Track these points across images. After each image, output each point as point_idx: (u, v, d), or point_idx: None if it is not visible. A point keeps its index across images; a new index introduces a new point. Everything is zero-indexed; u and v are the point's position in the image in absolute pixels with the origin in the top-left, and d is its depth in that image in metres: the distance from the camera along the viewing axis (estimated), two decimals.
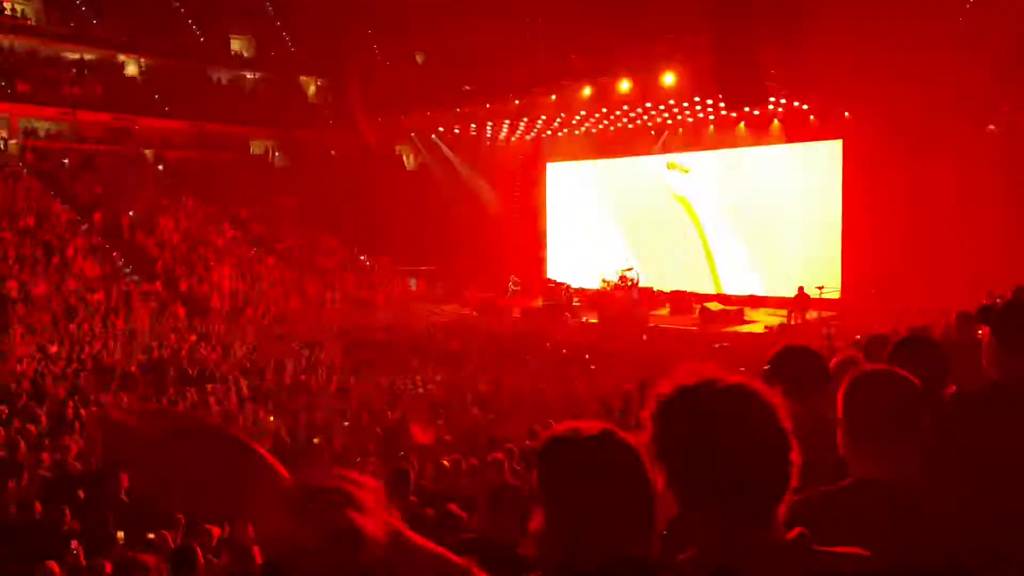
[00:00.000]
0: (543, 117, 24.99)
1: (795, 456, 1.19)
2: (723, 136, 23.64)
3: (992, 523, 1.59)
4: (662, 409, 1.23)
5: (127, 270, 22.32)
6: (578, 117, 24.54)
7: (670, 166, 23.02)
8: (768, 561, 1.18)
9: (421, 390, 13.31)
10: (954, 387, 2.38)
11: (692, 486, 1.21)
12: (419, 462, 7.45)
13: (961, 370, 2.57)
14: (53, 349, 15.58)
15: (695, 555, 1.22)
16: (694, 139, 24.38)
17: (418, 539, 0.99)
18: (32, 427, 9.59)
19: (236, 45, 33.87)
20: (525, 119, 25.40)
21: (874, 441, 1.65)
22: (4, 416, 10.05)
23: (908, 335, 2.50)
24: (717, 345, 16.51)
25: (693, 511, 1.22)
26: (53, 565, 4.62)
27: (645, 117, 23.97)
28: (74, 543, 5.04)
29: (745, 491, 1.18)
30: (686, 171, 22.08)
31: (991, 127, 18.75)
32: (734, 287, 23.17)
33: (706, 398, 1.20)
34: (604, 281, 22.43)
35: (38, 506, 5.96)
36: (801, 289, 20.09)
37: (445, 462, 7.05)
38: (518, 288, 24.37)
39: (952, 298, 10.87)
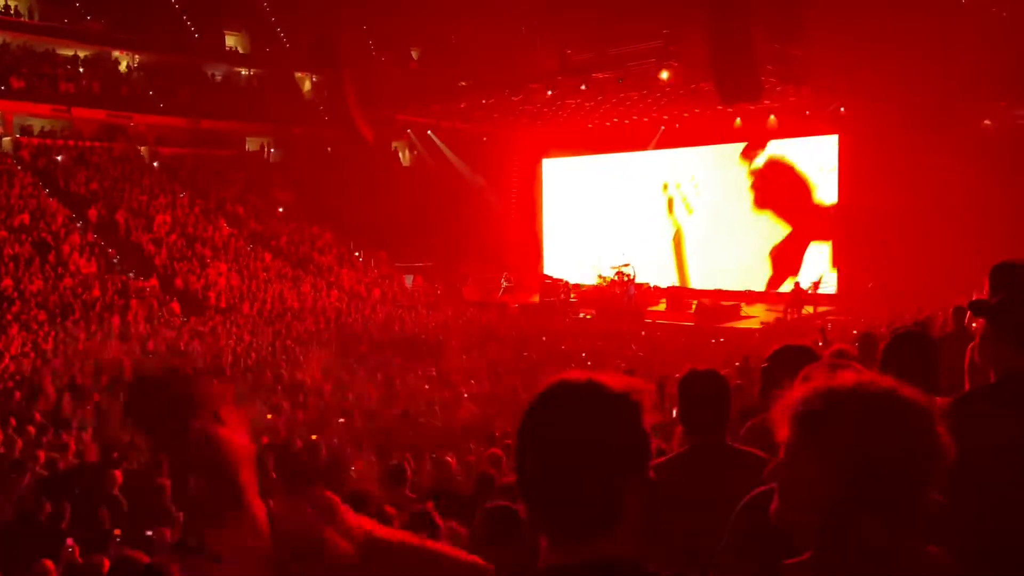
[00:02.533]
0: (539, 112, 24.94)
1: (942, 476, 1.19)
2: (719, 131, 23.62)
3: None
4: (825, 411, 1.19)
5: (123, 267, 22.26)
6: (574, 112, 24.50)
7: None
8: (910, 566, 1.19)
9: (427, 386, 13.29)
10: (946, 380, 2.37)
11: (859, 491, 1.17)
12: (416, 458, 7.44)
13: (958, 363, 2.56)
14: (48, 346, 15.53)
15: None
16: (690, 134, 24.37)
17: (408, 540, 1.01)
18: (29, 426, 9.56)
19: (231, 41, 33.74)
20: (521, 115, 25.36)
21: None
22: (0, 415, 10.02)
23: (897, 332, 2.48)
24: (713, 340, 16.54)
25: (854, 515, 1.19)
26: (48, 563, 4.60)
27: (641, 112, 23.95)
28: (69, 541, 5.02)
29: (907, 497, 1.17)
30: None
31: (987, 122, 18.76)
32: (730, 282, 23.20)
33: (870, 402, 1.19)
34: (601, 277, 22.43)
35: (34, 504, 5.94)
36: (797, 285, 20.11)
37: (449, 458, 7.04)
38: (510, 285, 24.37)
39: (949, 292, 10.87)
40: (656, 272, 23.36)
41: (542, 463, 1.13)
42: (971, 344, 2.40)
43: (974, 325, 2.49)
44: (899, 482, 1.16)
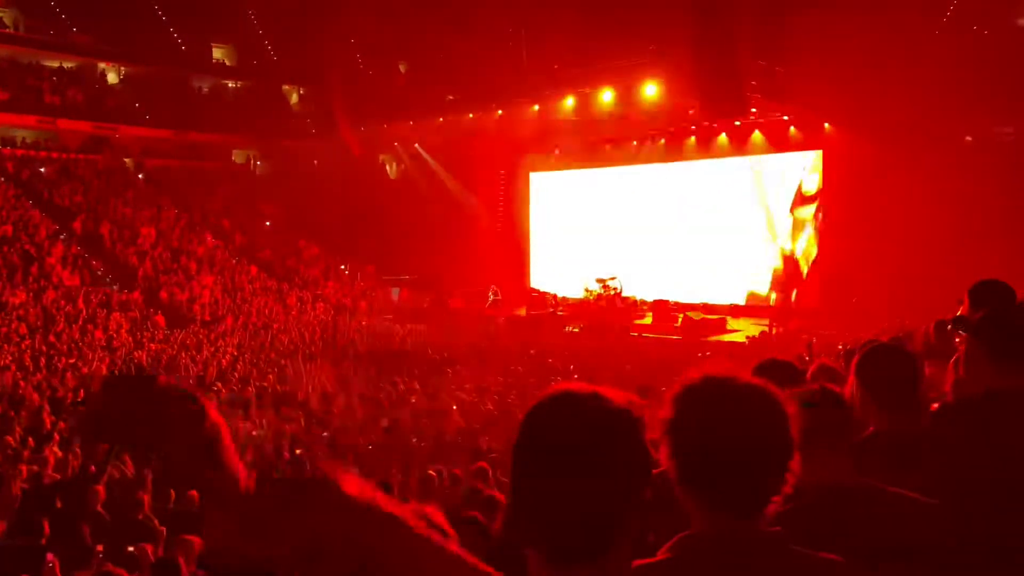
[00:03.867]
0: (526, 127, 25.03)
1: (795, 466, 1.26)
2: (704, 146, 23.78)
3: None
4: (686, 393, 1.29)
5: (107, 279, 22.11)
6: (561, 127, 24.61)
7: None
8: (746, 551, 1.24)
9: (413, 399, 13.23)
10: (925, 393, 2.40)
11: (693, 470, 1.26)
12: (403, 473, 7.41)
13: (939, 376, 2.58)
14: (30, 358, 15.38)
15: (683, 540, 1.27)
16: (675, 149, 24.51)
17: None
18: (10, 439, 9.44)
19: (218, 53, 33.74)
20: (508, 129, 25.45)
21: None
22: None
23: (871, 346, 2.46)
24: (700, 354, 16.57)
25: (688, 494, 1.28)
26: None
27: (627, 127, 24.08)
28: (50, 556, 4.95)
29: (741, 485, 1.24)
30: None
31: (968, 138, 18.99)
32: (717, 296, 23.27)
33: (730, 390, 1.27)
34: (587, 291, 22.47)
35: (16, 519, 5.86)
36: (782, 299, 20.22)
37: (432, 472, 7.01)
38: (498, 298, 24.37)
39: (933, 306, 10.94)
40: (643, 286, 23.42)
41: (542, 476, 1.07)
42: (953, 358, 2.42)
43: (957, 340, 2.51)
44: (710, 463, 1.24)
